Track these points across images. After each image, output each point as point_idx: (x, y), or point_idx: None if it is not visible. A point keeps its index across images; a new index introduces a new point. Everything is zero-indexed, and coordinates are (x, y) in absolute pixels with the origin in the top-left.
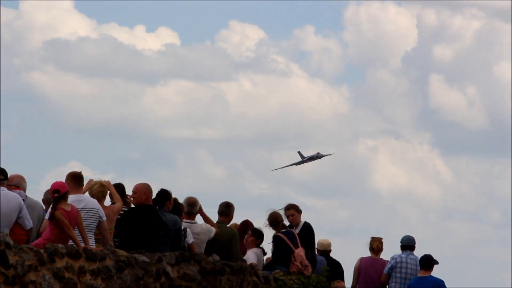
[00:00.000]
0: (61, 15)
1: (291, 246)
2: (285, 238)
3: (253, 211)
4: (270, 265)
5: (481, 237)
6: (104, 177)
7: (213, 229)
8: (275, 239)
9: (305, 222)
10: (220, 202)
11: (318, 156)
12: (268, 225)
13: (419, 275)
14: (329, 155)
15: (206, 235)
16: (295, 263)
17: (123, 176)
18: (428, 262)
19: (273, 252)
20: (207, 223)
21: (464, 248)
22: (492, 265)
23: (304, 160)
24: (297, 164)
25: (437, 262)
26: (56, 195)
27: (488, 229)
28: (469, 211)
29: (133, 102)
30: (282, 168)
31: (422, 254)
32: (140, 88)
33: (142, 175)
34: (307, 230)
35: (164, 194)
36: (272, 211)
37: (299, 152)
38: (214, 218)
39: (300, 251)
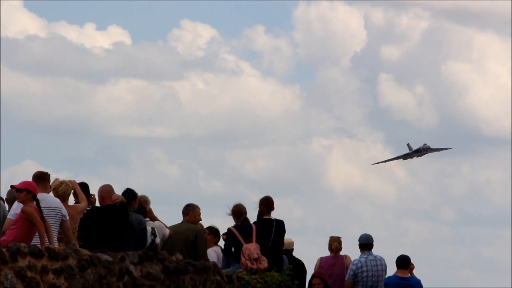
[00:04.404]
0: (10, 13)
1: (241, 240)
2: (235, 231)
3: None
4: (223, 258)
5: (436, 235)
6: (59, 176)
7: (167, 229)
8: (227, 232)
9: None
10: (175, 200)
11: (424, 148)
12: (231, 215)
13: (398, 274)
14: (445, 149)
15: (161, 232)
16: (242, 258)
17: (77, 175)
18: (406, 261)
19: (224, 246)
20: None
21: (419, 247)
22: (447, 264)
23: (410, 153)
24: (404, 158)
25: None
26: (29, 193)
27: (442, 227)
28: (423, 210)
29: (84, 100)
30: (384, 162)
31: (378, 253)
32: (91, 86)
33: (96, 173)
34: (281, 225)
35: (129, 193)
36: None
37: (408, 145)
38: (178, 218)
39: (250, 246)
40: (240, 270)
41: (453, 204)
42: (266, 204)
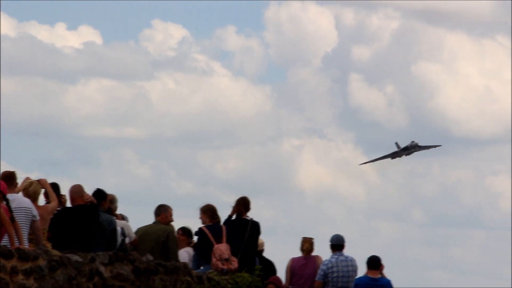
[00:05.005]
0: None
1: (212, 240)
2: (207, 231)
3: (178, 210)
4: (194, 259)
5: (406, 236)
6: (30, 176)
7: (132, 230)
8: (198, 232)
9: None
10: (146, 201)
11: (412, 146)
12: (203, 213)
13: (368, 275)
14: (434, 146)
15: (129, 231)
16: (213, 258)
17: (48, 175)
18: (376, 262)
19: (195, 245)
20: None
21: (389, 247)
22: (417, 264)
23: (399, 151)
24: (392, 157)
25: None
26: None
27: (413, 228)
28: (394, 211)
29: (54, 100)
30: (372, 161)
31: (349, 254)
32: (61, 86)
33: (66, 174)
34: (257, 226)
35: (100, 194)
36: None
37: (396, 143)
38: (150, 219)
39: (221, 246)
40: (211, 270)
41: (423, 205)
42: (243, 204)
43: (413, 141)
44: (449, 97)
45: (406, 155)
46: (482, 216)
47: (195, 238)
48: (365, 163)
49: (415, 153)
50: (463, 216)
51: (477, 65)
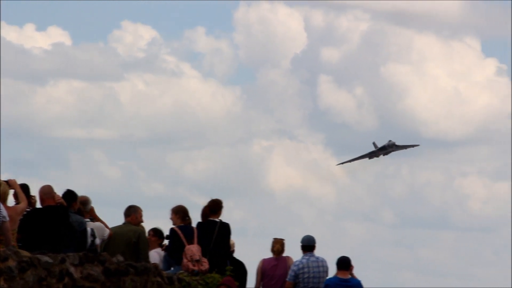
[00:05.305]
0: None
1: (184, 241)
2: (179, 232)
3: (148, 212)
4: (165, 259)
5: (375, 237)
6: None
7: (107, 230)
8: (170, 232)
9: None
10: (116, 202)
11: (389, 145)
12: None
13: (338, 275)
14: (412, 146)
15: (100, 233)
16: (184, 259)
17: (18, 176)
18: (346, 262)
19: (167, 246)
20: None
21: (359, 248)
22: (387, 265)
23: (376, 151)
24: (370, 157)
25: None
26: None
27: (382, 229)
28: (363, 212)
29: (24, 102)
30: (349, 161)
31: (319, 254)
32: (30, 87)
33: (36, 175)
34: (225, 228)
35: (70, 195)
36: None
37: (373, 143)
38: (119, 220)
39: (192, 247)
40: (181, 271)
41: (393, 206)
42: (211, 206)
43: (390, 140)
44: (418, 99)
45: (383, 154)
46: (451, 217)
47: (166, 242)
48: (342, 163)
49: (392, 153)
50: (433, 217)
51: (445, 66)
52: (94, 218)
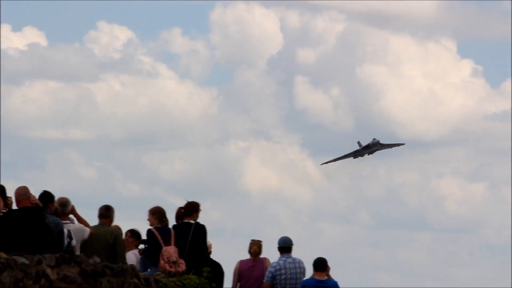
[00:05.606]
0: None
1: (161, 242)
2: (156, 233)
3: (124, 213)
4: (141, 261)
5: (352, 238)
6: None
7: (87, 229)
8: (147, 233)
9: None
10: (92, 203)
11: (374, 144)
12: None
13: (315, 277)
14: (398, 145)
15: (79, 234)
16: (161, 260)
17: None
18: (322, 264)
19: (144, 249)
20: (81, 223)
21: (335, 249)
22: (363, 266)
23: (360, 150)
24: (354, 156)
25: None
26: None
27: (359, 230)
28: (339, 212)
29: None
30: (333, 161)
31: (296, 255)
32: (6, 88)
33: (12, 176)
34: (200, 229)
35: (47, 196)
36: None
37: (358, 142)
38: (93, 221)
39: (169, 249)
40: (158, 272)
41: (369, 207)
42: (186, 208)
43: (374, 139)
44: (394, 100)
45: (368, 154)
46: (427, 218)
47: (142, 246)
48: (326, 162)
49: (377, 152)
50: (409, 218)
51: (421, 67)
52: (76, 216)
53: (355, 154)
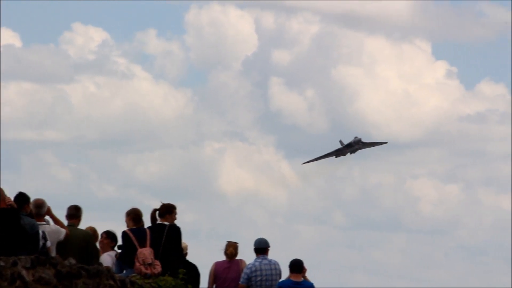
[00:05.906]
0: None
1: (136, 244)
2: (131, 235)
3: (100, 214)
4: (117, 262)
5: (327, 239)
6: None
7: (63, 230)
8: (122, 235)
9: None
10: (67, 204)
11: (356, 142)
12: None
13: (291, 278)
14: (380, 143)
15: (55, 235)
16: (136, 263)
17: None
18: (298, 265)
19: (120, 254)
20: (57, 224)
21: (311, 251)
22: (339, 267)
23: (342, 148)
24: (336, 155)
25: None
26: None
27: (334, 231)
28: (315, 214)
29: None
30: (315, 160)
31: (272, 257)
32: None
33: None
34: (175, 231)
35: (22, 197)
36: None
37: (340, 141)
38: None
39: (144, 251)
40: (134, 274)
41: (344, 208)
42: (159, 210)
43: (356, 137)
44: (369, 101)
45: (350, 152)
46: (402, 219)
47: (118, 251)
48: (308, 162)
49: (359, 150)
50: (384, 219)
51: (396, 68)
52: (52, 217)
53: (337, 153)
